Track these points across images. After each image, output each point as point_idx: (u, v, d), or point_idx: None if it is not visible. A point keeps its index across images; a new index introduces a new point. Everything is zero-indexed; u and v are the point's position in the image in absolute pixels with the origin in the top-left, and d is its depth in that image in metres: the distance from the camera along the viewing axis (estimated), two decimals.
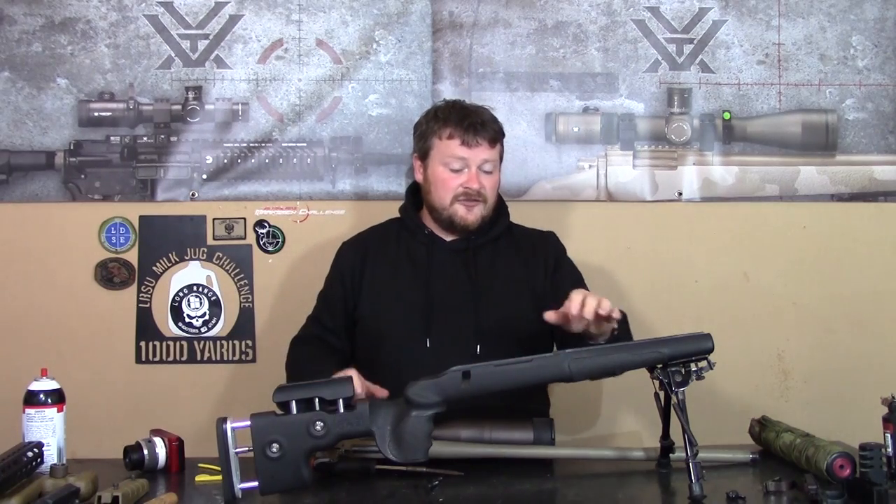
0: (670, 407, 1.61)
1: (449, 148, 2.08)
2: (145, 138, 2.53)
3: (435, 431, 1.60)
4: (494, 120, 2.13)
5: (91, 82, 2.52)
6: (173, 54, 2.53)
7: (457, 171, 2.08)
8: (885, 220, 2.62)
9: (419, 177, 2.15)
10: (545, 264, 2.13)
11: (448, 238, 2.12)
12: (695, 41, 2.60)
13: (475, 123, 2.08)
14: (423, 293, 2.07)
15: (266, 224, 2.57)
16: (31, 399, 1.74)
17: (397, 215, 2.22)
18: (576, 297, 1.77)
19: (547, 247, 2.17)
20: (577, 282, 2.12)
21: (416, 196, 2.18)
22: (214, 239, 2.56)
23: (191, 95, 2.53)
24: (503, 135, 2.14)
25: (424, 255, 2.11)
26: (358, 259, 2.15)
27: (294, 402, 1.56)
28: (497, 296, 2.08)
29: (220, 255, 2.56)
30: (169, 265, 2.55)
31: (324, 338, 2.13)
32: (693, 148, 2.60)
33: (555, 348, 1.98)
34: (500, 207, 2.18)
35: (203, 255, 2.56)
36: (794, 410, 2.51)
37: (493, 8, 2.57)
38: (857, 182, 2.62)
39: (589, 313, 1.75)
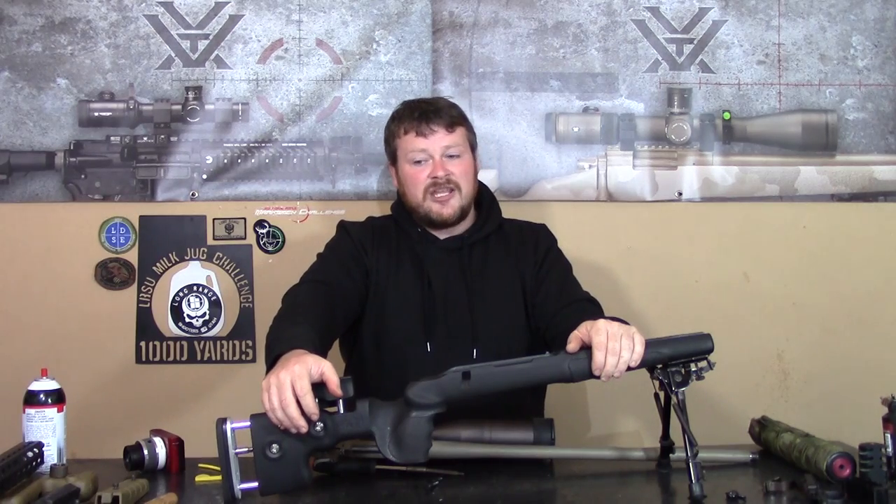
0: (670, 407, 1.61)
1: (408, 143, 2.05)
2: (145, 138, 2.54)
3: (435, 432, 1.60)
4: (452, 106, 2.10)
5: (91, 82, 2.52)
6: (173, 54, 2.53)
7: (421, 164, 2.05)
8: (885, 220, 2.62)
9: (395, 183, 2.13)
10: (534, 257, 2.10)
11: (442, 237, 2.10)
12: (695, 41, 2.60)
13: (426, 112, 2.05)
14: (423, 294, 2.05)
15: (266, 224, 2.57)
16: (31, 399, 1.75)
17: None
18: (598, 354, 1.57)
19: (537, 239, 2.13)
20: (563, 275, 2.08)
21: None
22: (214, 239, 2.56)
23: (191, 95, 2.53)
24: (464, 119, 2.10)
25: (420, 255, 2.09)
26: (368, 239, 2.09)
27: None
28: (490, 297, 2.06)
29: (220, 255, 2.56)
30: (169, 265, 2.56)
31: (319, 279, 1.98)
32: (693, 148, 2.60)
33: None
34: (491, 205, 2.16)
35: (203, 255, 2.56)
36: (794, 410, 2.51)
37: (493, 8, 2.57)
38: (857, 182, 2.62)
39: (607, 376, 1.59)
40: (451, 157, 2.05)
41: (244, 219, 2.56)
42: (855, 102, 2.61)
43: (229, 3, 2.54)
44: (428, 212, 2.05)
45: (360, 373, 2.06)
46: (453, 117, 2.07)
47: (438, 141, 2.04)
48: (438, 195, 2.03)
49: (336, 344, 2.11)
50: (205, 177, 2.55)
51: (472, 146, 2.11)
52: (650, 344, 1.58)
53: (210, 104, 2.54)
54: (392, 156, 2.12)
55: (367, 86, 2.56)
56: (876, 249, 2.62)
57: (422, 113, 2.05)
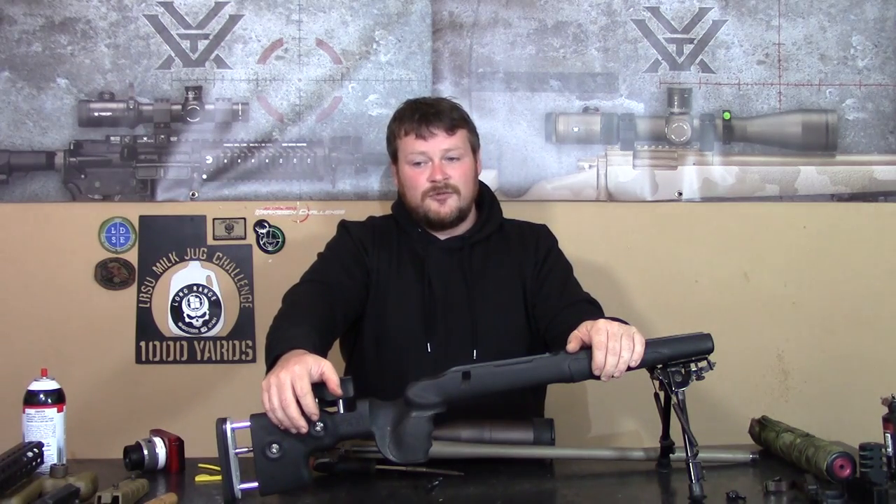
0: (670, 407, 1.61)
1: (408, 145, 2.04)
2: (145, 138, 2.54)
3: (435, 432, 1.60)
4: (454, 108, 2.09)
5: (91, 82, 2.52)
6: (173, 54, 2.53)
7: (420, 166, 2.04)
8: (885, 220, 2.62)
9: (395, 181, 2.13)
10: (535, 258, 2.09)
11: (442, 237, 2.10)
12: (695, 41, 2.60)
13: (427, 115, 2.04)
14: (423, 294, 2.05)
15: (266, 224, 2.57)
16: (31, 399, 1.75)
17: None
18: (598, 354, 1.58)
19: (537, 240, 2.13)
20: (563, 275, 2.08)
21: None
22: (214, 239, 2.56)
23: (191, 95, 2.53)
24: (466, 121, 2.09)
25: (420, 255, 2.08)
26: (368, 239, 2.09)
27: None
28: (490, 298, 2.06)
29: (220, 255, 2.56)
30: (169, 265, 2.56)
31: (319, 279, 1.98)
32: (693, 148, 2.60)
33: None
34: (492, 205, 2.15)
35: (203, 255, 2.56)
36: (794, 410, 2.51)
37: (493, 8, 2.57)
38: (857, 182, 2.62)
39: (607, 376, 1.59)
40: (450, 159, 2.04)
41: (244, 219, 2.56)
42: (855, 102, 2.61)
43: (229, 3, 2.54)
44: (426, 211, 2.05)
45: (360, 373, 2.06)
46: (454, 120, 2.06)
47: (438, 144, 2.03)
48: (437, 196, 2.03)
49: (336, 344, 2.11)
50: (205, 177, 2.55)
51: (474, 148, 2.11)
52: (650, 344, 1.58)
53: (210, 104, 2.54)
54: (393, 155, 2.12)
55: (367, 86, 2.56)
56: (876, 249, 2.62)
57: (422, 115, 2.04)
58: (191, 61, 2.54)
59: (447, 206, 2.04)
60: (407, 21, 2.56)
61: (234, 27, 2.54)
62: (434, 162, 2.03)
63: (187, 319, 2.55)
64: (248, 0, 2.54)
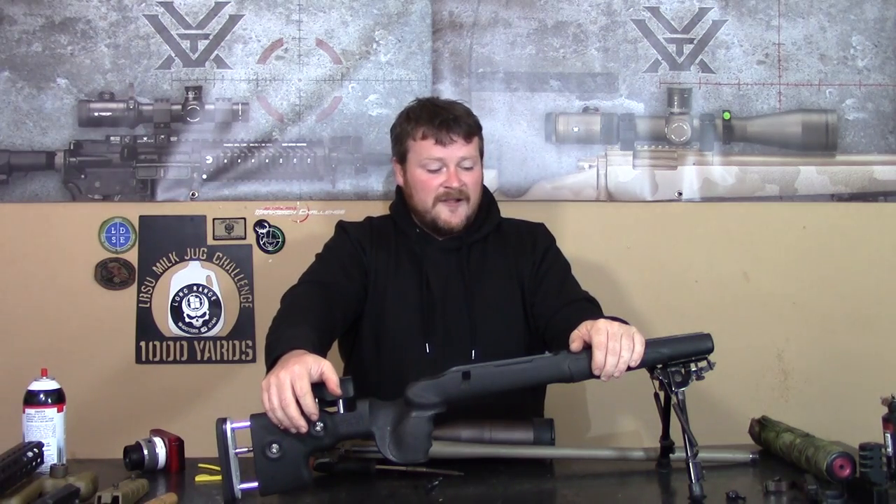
0: (670, 407, 1.61)
1: (424, 149, 2.03)
2: (145, 138, 2.54)
3: (435, 432, 1.60)
4: (469, 113, 2.08)
5: (91, 82, 2.52)
6: (173, 54, 2.53)
7: (435, 172, 2.02)
8: (885, 220, 2.62)
9: (399, 180, 2.11)
10: (533, 256, 2.09)
11: (440, 237, 2.09)
12: (695, 41, 2.60)
13: (447, 120, 2.02)
14: (422, 295, 2.05)
15: (266, 224, 2.57)
16: (31, 399, 1.75)
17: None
18: (598, 354, 1.58)
19: (535, 238, 2.13)
20: (562, 274, 2.08)
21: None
22: (214, 239, 2.56)
23: (191, 95, 2.53)
24: (479, 128, 2.09)
25: (419, 256, 2.08)
26: (366, 239, 2.08)
27: None
28: (489, 298, 2.05)
29: (220, 255, 2.56)
30: (169, 265, 2.56)
31: (317, 280, 1.98)
32: (693, 148, 2.60)
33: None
34: (490, 205, 2.15)
35: (203, 255, 2.56)
36: (794, 410, 2.51)
37: (493, 8, 2.57)
38: (857, 182, 2.62)
39: (607, 376, 1.59)
40: (465, 168, 2.04)
41: (244, 219, 2.57)
42: (855, 102, 2.61)
43: (229, 3, 2.54)
44: (435, 218, 2.04)
45: (359, 373, 2.06)
46: (470, 126, 2.05)
47: (456, 151, 2.02)
48: (449, 203, 2.03)
49: (336, 344, 2.11)
50: (205, 177, 2.55)
51: (482, 153, 2.11)
52: (650, 344, 1.58)
53: (210, 104, 2.54)
54: (401, 155, 2.09)
55: (367, 86, 2.56)
56: (876, 249, 2.62)
57: (442, 121, 2.02)
58: (191, 61, 2.54)
59: (458, 216, 2.04)
60: (407, 21, 2.56)
61: (234, 27, 2.54)
62: (450, 168, 2.02)
63: (187, 319, 2.55)
64: (248, 0, 2.54)
